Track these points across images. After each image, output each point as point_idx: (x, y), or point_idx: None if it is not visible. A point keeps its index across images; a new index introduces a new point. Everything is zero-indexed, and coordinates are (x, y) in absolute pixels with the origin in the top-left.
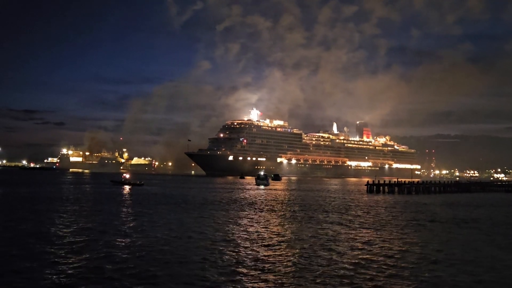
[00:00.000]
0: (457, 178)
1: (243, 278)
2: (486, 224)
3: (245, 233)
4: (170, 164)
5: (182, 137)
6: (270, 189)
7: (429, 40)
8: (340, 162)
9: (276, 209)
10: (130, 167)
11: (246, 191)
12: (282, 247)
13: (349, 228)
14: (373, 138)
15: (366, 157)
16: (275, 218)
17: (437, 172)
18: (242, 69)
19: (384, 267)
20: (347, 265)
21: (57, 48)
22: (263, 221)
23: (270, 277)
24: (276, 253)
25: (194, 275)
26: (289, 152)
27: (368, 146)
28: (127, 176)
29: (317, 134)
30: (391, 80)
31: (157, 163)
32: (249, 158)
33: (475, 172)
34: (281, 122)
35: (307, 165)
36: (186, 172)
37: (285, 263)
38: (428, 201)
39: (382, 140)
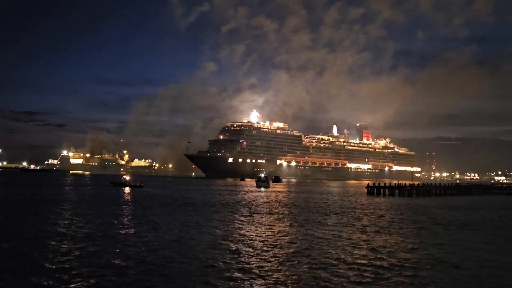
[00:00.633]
0: (458, 181)
1: (243, 280)
2: (486, 227)
3: (245, 235)
4: (170, 166)
5: (183, 139)
6: (270, 191)
7: (435, 42)
8: (340, 165)
9: (277, 211)
10: (131, 169)
11: (247, 193)
12: (283, 248)
13: (351, 230)
14: (373, 140)
15: (366, 160)
16: (275, 220)
17: (437, 174)
18: (247, 70)
19: (388, 268)
20: (348, 267)
21: (58, 49)
22: (264, 223)
23: (270, 279)
24: (276, 254)
25: (195, 278)
26: (289, 154)
27: (368, 149)
28: (127, 178)
29: (317, 136)
30: (396, 82)
31: (157, 165)
32: (248, 160)
33: (476, 174)
34: (281, 124)
35: (307, 167)
36: (187, 174)
37: (285, 265)
38: (428, 203)
39: (382, 142)
